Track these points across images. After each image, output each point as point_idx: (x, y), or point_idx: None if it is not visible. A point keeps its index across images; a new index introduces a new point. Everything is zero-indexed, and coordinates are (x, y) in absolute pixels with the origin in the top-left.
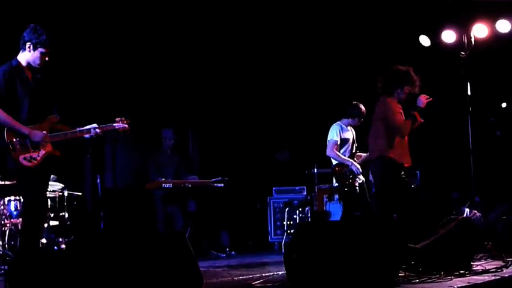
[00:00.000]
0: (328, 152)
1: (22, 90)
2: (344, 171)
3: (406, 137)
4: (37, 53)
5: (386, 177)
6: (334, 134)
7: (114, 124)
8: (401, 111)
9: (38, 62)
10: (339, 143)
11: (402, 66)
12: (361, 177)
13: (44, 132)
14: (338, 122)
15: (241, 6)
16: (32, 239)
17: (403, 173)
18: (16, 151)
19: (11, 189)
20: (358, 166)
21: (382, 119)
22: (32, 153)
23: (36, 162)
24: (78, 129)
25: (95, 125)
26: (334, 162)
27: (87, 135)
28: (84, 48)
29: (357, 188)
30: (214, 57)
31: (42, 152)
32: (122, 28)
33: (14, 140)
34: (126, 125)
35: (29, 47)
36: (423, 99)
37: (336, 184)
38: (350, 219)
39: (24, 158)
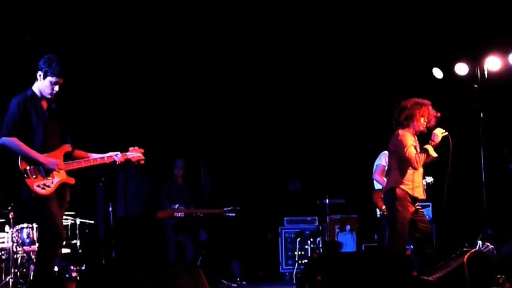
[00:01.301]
0: (374, 176)
1: (37, 119)
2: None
3: (421, 170)
4: (46, 82)
5: (398, 209)
6: (382, 159)
7: (127, 153)
8: (416, 143)
9: (47, 91)
10: (386, 169)
11: (419, 99)
12: None
13: (59, 160)
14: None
15: (254, 32)
16: (45, 267)
17: (418, 205)
18: (30, 178)
19: (25, 217)
20: None
21: (394, 151)
22: (45, 181)
23: (50, 190)
24: (92, 157)
25: (118, 152)
26: (376, 187)
27: (108, 162)
28: (97, 78)
29: None
30: (226, 87)
31: (56, 179)
32: (134, 57)
33: (28, 167)
34: (140, 154)
35: (40, 76)
36: (438, 134)
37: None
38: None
39: (38, 186)
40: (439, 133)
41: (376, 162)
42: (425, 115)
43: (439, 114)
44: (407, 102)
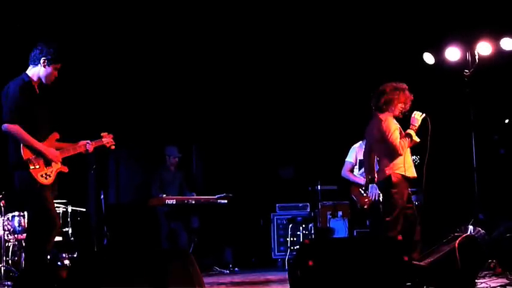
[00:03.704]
0: (343, 173)
1: (34, 106)
2: (359, 191)
3: (409, 149)
4: (50, 69)
5: (394, 196)
6: (350, 156)
7: (102, 139)
8: (398, 125)
9: (50, 78)
10: (355, 164)
11: (396, 83)
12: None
13: (58, 151)
14: (360, 142)
15: (246, 24)
16: (40, 255)
17: (409, 191)
18: (34, 168)
19: (21, 205)
20: (374, 186)
21: (380, 138)
22: (46, 170)
23: (51, 179)
24: (77, 145)
25: (88, 141)
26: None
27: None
28: (86, 62)
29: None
30: (218, 74)
31: (54, 169)
32: (125, 42)
33: (31, 157)
34: (111, 139)
35: (44, 62)
36: (418, 117)
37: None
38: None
39: (41, 176)
40: (418, 116)
41: (347, 158)
42: (402, 99)
43: (412, 97)
44: (386, 87)
